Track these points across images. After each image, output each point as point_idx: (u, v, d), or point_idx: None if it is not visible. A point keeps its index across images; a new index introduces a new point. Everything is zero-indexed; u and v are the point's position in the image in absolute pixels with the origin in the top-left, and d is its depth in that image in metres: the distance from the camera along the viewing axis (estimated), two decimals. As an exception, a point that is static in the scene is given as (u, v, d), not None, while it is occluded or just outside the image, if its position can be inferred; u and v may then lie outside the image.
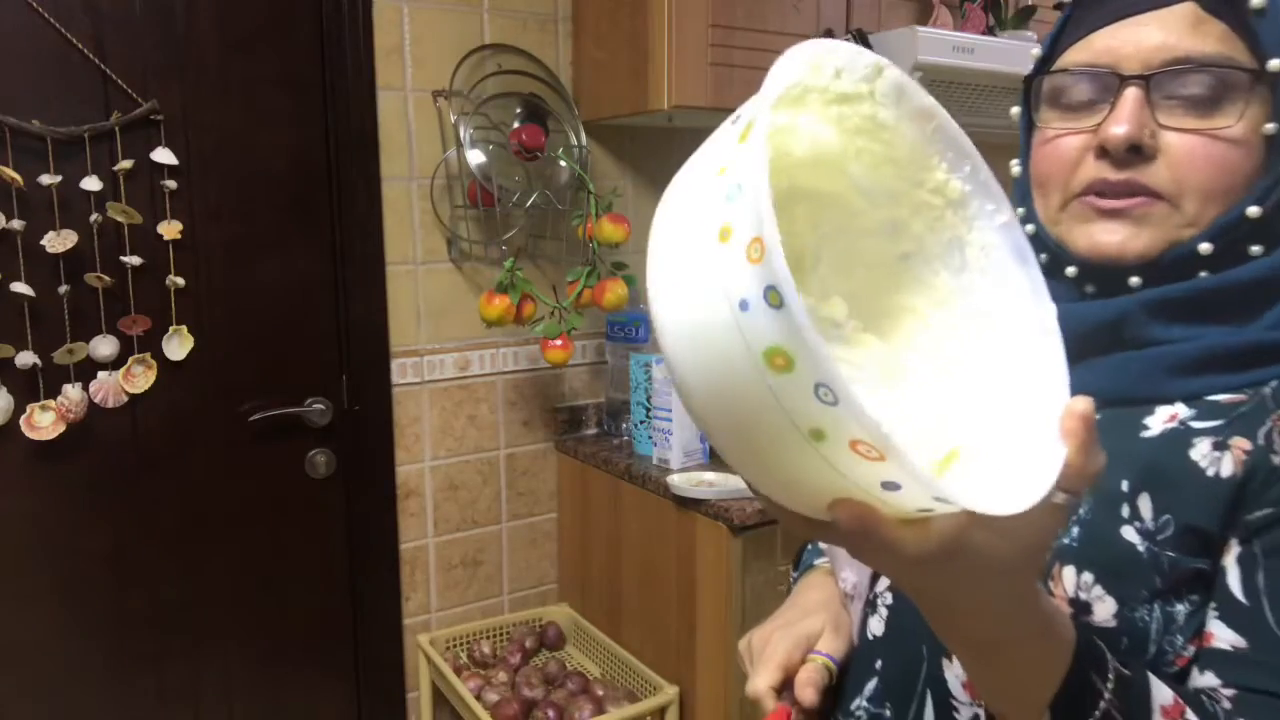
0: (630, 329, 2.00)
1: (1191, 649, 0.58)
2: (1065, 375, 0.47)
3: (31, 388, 1.58)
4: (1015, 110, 0.72)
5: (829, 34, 1.90)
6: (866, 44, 1.83)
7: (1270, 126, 0.60)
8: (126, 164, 1.59)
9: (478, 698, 1.75)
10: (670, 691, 1.74)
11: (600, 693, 1.78)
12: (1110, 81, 0.62)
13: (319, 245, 1.83)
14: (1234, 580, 0.57)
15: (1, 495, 1.60)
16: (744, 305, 0.34)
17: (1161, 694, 0.53)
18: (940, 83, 1.88)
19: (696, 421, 0.40)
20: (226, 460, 1.78)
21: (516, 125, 1.88)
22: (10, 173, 1.51)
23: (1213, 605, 0.58)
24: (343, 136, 1.80)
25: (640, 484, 1.83)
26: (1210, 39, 0.60)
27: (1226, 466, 0.58)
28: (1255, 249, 0.62)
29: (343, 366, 1.87)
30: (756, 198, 0.34)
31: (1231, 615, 0.56)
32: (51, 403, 1.59)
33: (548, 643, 2.01)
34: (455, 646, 1.97)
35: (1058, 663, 0.50)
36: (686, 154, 0.43)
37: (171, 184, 1.65)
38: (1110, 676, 0.51)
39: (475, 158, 1.85)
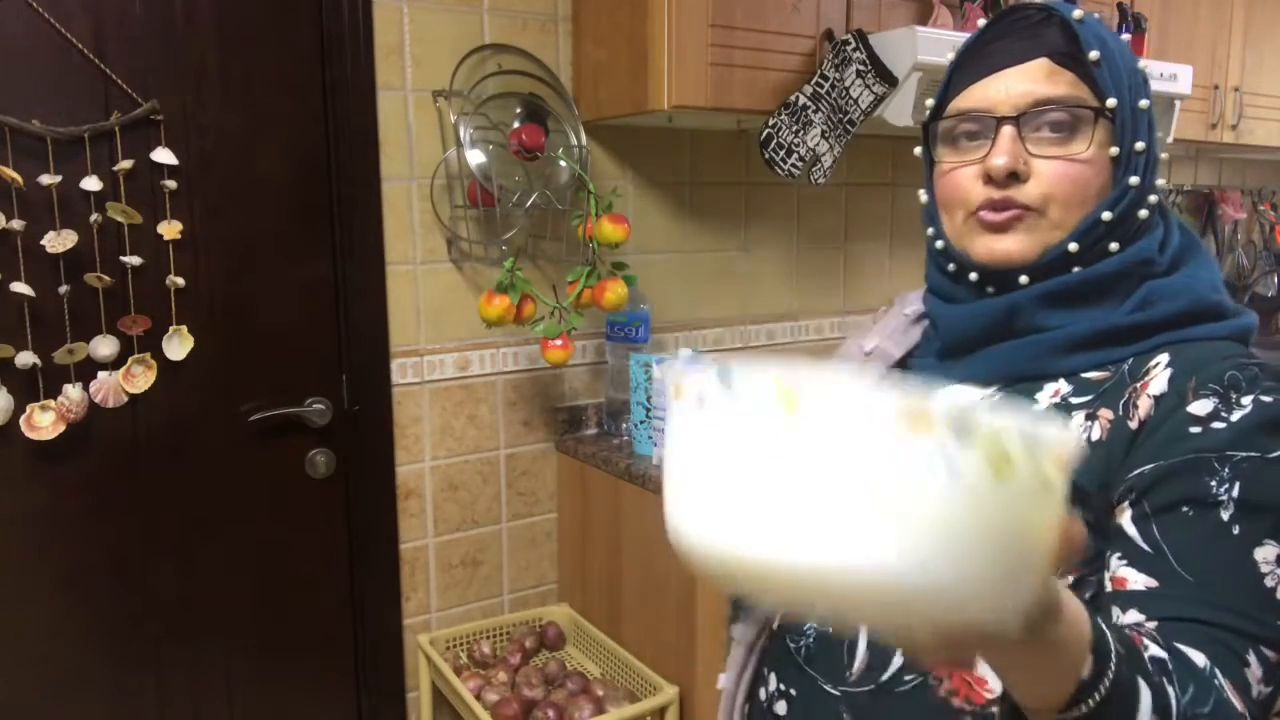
0: (630, 329, 1.99)
1: (1071, 578, 0.71)
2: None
3: (31, 388, 1.58)
4: (918, 150, 0.87)
5: (829, 34, 1.90)
6: (866, 44, 1.83)
7: (1114, 150, 0.77)
8: (126, 164, 1.59)
9: (478, 698, 1.75)
10: (670, 691, 1.74)
11: (600, 693, 1.78)
12: (989, 122, 0.78)
13: (319, 245, 1.83)
14: (1135, 534, 0.69)
15: (1, 495, 1.60)
16: (950, 469, 0.39)
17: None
18: (939, 83, 1.88)
19: (946, 604, 0.41)
20: (226, 460, 1.78)
21: (516, 125, 1.88)
22: (10, 173, 1.51)
23: (1117, 556, 0.70)
24: (343, 136, 1.80)
25: (640, 484, 1.83)
26: (1062, 85, 0.77)
27: (1095, 433, 0.73)
28: (1113, 246, 0.78)
29: (343, 366, 1.87)
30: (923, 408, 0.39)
31: (1140, 562, 0.69)
32: (51, 403, 1.59)
33: (548, 643, 2.01)
34: (455, 646, 1.97)
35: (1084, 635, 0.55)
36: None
37: (171, 184, 1.65)
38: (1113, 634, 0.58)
39: (475, 158, 1.85)
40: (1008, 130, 0.77)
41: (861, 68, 1.84)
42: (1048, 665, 0.54)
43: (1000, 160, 0.76)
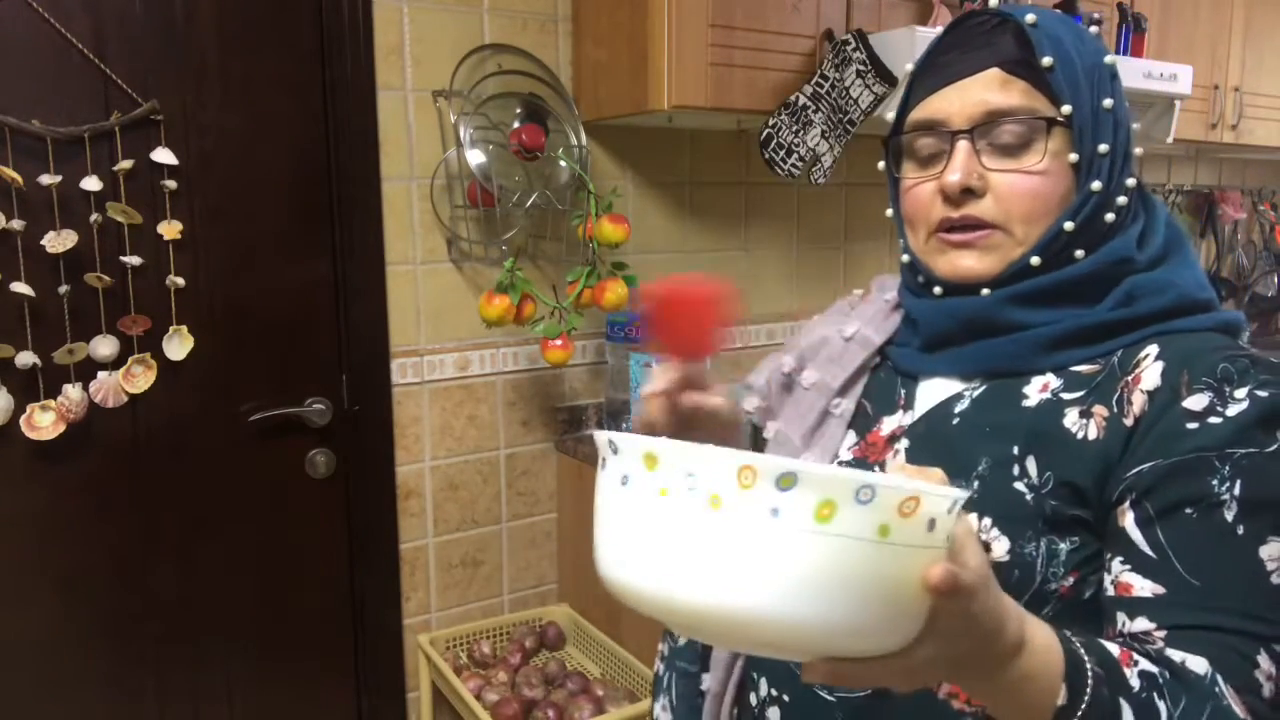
0: (630, 329, 1.99)
1: (1071, 580, 0.71)
2: None
3: (31, 388, 1.58)
4: (881, 165, 0.86)
5: (829, 34, 1.90)
6: (866, 44, 1.83)
7: (1072, 157, 0.76)
8: (126, 164, 1.59)
9: (478, 698, 1.75)
10: (670, 691, 1.74)
11: (600, 693, 1.78)
12: (944, 136, 0.78)
13: (319, 245, 1.83)
14: (1138, 538, 0.68)
15: (1, 495, 1.60)
16: (775, 514, 0.44)
17: (1112, 648, 0.62)
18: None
19: (802, 636, 0.46)
20: (226, 460, 1.78)
21: (516, 125, 1.88)
22: (10, 173, 1.51)
23: (1120, 560, 0.69)
24: (343, 136, 1.80)
25: (640, 484, 1.82)
26: (1015, 94, 0.76)
27: (1092, 431, 0.72)
28: (1078, 253, 0.77)
29: (343, 366, 1.87)
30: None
31: (1145, 568, 0.68)
32: (51, 403, 1.59)
33: (548, 643, 2.01)
34: (455, 646, 1.97)
35: (1056, 655, 0.58)
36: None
37: (171, 184, 1.65)
38: (1087, 649, 0.60)
39: (475, 158, 1.85)
40: (962, 145, 0.76)
41: (861, 68, 1.84)
42: (1018, 697, 0.58)
43: (954, 177, 0.76)
